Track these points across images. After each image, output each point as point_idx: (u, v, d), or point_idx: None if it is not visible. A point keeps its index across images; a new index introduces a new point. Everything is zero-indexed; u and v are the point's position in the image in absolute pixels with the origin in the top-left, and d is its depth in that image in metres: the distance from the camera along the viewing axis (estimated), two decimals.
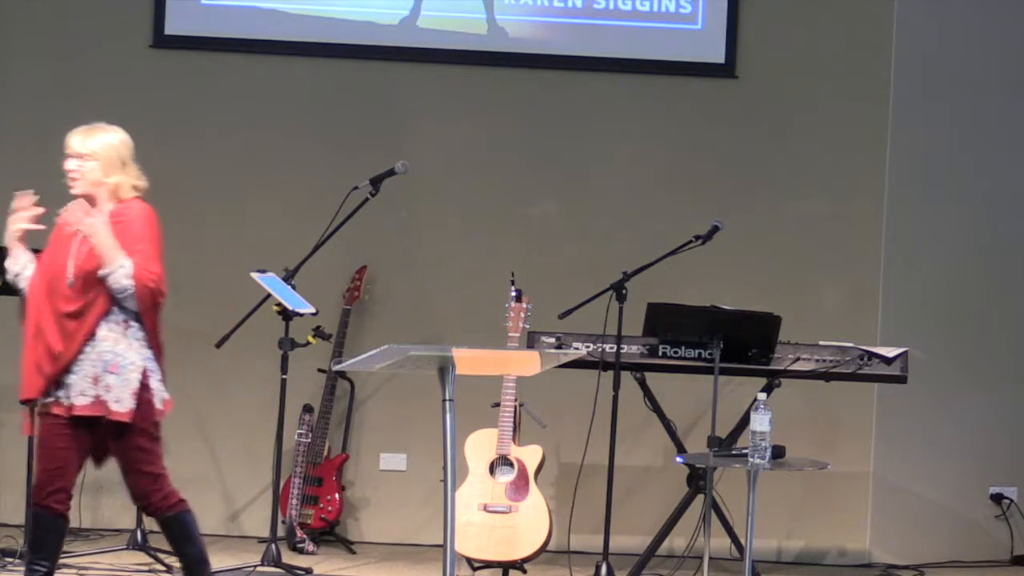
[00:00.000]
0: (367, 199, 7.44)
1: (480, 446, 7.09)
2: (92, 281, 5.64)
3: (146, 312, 5.69)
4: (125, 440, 5.67)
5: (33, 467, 6.20)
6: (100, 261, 5.61)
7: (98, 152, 5.77)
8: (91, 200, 5.77)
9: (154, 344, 5.75)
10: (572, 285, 7.41)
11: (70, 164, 5.79)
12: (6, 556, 7.03)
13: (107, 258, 5.61)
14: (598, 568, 7.13)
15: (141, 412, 5.66)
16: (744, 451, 6.13)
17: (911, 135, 8.17)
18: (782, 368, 7.16)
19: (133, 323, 5.69)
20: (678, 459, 6.95)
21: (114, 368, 5.63)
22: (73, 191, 5.79)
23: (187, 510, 5.81)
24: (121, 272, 5.61)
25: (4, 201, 8.17)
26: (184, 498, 5.82)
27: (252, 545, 7.72)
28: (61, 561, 6.97)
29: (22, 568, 6.03)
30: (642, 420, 7.49)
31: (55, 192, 8.04)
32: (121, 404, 5.62)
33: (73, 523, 7.69)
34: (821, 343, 7.27)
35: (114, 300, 5.65)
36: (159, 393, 5.73)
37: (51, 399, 5.66)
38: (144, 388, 5.67)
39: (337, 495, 7.89)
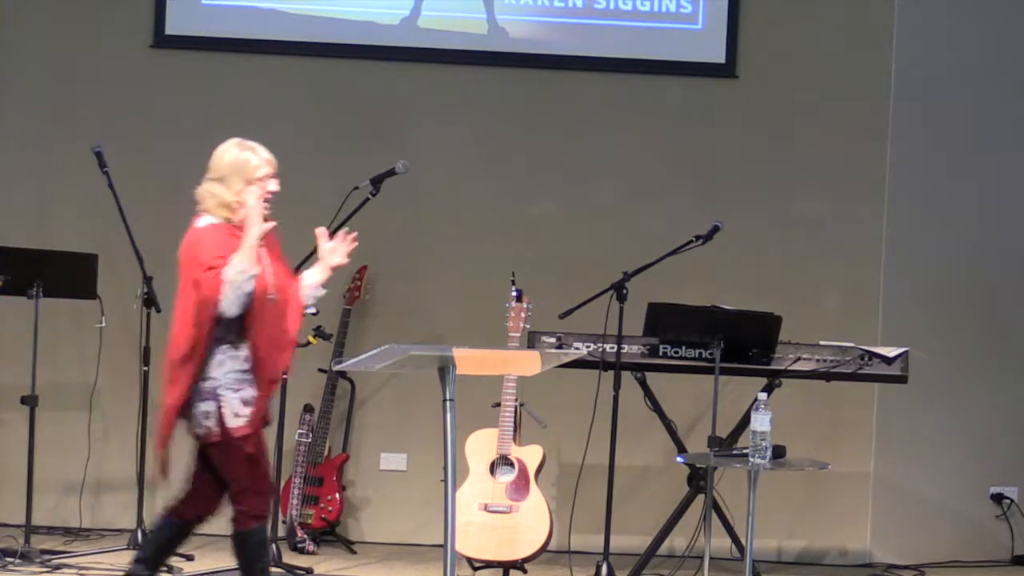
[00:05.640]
0: (367, 199, 7.43)
1: (481, 446, 7.09)
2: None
3: None
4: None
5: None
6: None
7: None
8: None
9: None
10: (572, 285, 7.41)
11: (275, 185, 5.84)
12: (6, 556, 7.02)
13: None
14: (598, 568, 7.13)
15: None
16: (744, 451, 6.13)
17: (911, 135, 8.17)
18: (782, 368, 7.16)
19: None
20: (678, 459, 6.95)
21: None
22: (266, 213, 5.78)
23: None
24: None
25: (5, 198, 8.23)
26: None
27: None
28: (62, 561, 7.00)
29: (23, 568, 6.03)
30: (642, 420, 7.48)
31: (58, 189, 8.07)
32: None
33: (73, 523, 7.76)
34: (821, 343, 7.27)
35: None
36: None
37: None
38: None
39: (338, 495, 7.89)
